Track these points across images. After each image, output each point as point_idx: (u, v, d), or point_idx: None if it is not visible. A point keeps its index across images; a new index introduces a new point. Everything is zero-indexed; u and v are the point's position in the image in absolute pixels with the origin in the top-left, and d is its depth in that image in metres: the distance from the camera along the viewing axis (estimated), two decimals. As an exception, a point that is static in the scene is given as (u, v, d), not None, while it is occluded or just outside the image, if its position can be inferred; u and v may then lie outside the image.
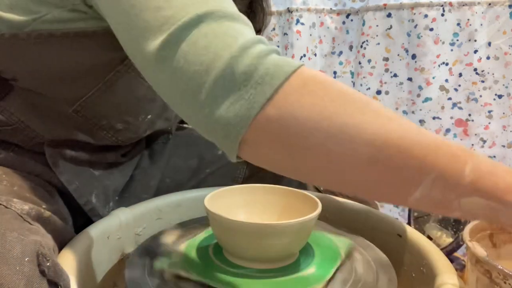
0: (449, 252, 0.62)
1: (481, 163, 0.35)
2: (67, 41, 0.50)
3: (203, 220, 0.61)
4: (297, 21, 1.33)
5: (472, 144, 1.26)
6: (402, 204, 0.38)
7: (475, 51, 1.22)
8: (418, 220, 0.71)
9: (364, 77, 1.32)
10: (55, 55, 0.51)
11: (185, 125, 0.87)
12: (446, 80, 1.25)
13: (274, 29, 1.38)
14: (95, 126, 0.59)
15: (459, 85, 1.25)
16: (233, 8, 0.40)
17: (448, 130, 1.28)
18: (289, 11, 1.33)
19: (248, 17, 0.66)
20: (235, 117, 0.36)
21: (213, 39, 0.37)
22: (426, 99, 1.27)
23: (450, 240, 0.64)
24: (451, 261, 0.53)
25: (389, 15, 1.26)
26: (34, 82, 0.54)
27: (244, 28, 0.39)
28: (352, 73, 1.37)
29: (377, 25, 1.28)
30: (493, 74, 1.22)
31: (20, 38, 0.50)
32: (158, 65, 0.38)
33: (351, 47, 1.36)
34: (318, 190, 0.77)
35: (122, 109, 0.58)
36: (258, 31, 0.70)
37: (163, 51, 0.37)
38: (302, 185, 0.76)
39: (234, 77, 0.36)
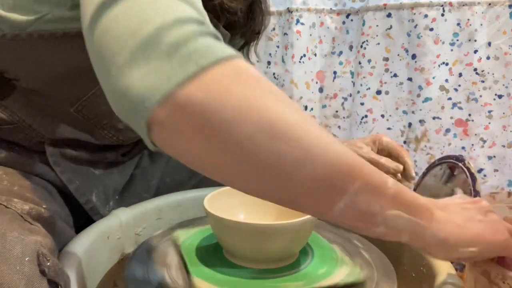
0: (448, 252, 0.61)
1: (396, 181, 0.36)
2: (68, 41, 0.51)
3: (203, 220, 0.61)
4: (297, 21, 1.33)
5: (472, 144, 1.27)
6: (324, 216, 0.36)
7: (475, 51, 1.22)
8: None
9: (364, 77, 1.32)
10: (56, 55, 0.52)
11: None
12: (446, 80, 1.25)
13: (274, 29, 1.38)
14: (96, 125, 0.59)
15: (459, 85, 1.25)
16: None
17: (448, 130, 1.28)
18: (289, 11, 1.33)
19: (248, 18, 0.66)
20: (147, 88, 0.31)
21: (151, 6, 0.34)
22: (426, 99, 1.27)
23: (450, 240, 0.64)
24: (451, 261, 0.53)
25: (389, 15, 1.26)
26: (35, 82, 0.54)
27: (189, 8, 0.35)
28: (352, 73, 1.37)
29: (377, 25, 1.28)
30: (493, 74, 1.22)
31: (21, 39, 0.50)
32: (90, 29, 0.35)
33: (351, 47, 1.36)
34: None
35: None
36: (258, 32, 0.70)
37: (96, 13, 0.34)
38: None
39: (159, 46, 0.32)
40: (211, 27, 0.35)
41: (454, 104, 1.26)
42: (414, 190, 0.73)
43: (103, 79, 0.35)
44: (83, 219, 0.60)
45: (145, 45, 0.32)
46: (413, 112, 1.29)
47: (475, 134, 1.26)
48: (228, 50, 0.33)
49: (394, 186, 0.35)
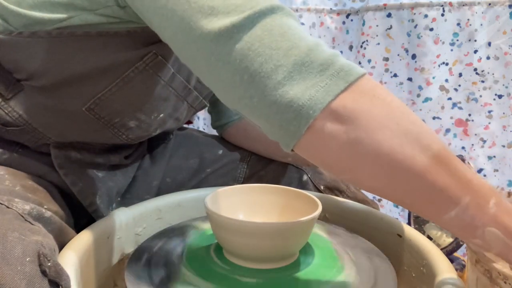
0: (449, 252, 0.62)
1: (501, 201, 0.39)
2: (87, 40, 0.51)
3: (203, 220, 0.61)
4: (297, 21, 1.33)
5: (472, 144, 1.27)
6: (434, 220, 0.41)
7: (475, 51, 1.22)
8: (418, 220, 0.71)
9: (364, 77, 1.32)
10: (74, 53, 0.52)
11: (185, 125, 0.88)
12: (446, 80, 1.25)
13: (274, 29, 1.38)
14: (107, 124, 0.58)
15: (459, 85, 1.25)
16: None
17: (448, 130, 1.28)
18: (289, 11, 1.33)
19: None
20: (310, 100, 0.38)
21: (288, 30, 0.40)
22: (426, 99, 1.27)
23: (450, 240, 0.64)
24: (451, 261, 0.53)
25: (389, 15, 1.26)
26: (50, 80, 0.53)
27: (307, 33, 0.42)
28: (352, 73, 1.37)
29: (377, 25, 1.28)
30: (493, 74, 1.22)
31: (39, 36, 0.50)
32: (223, 45, 0.40)
33: (351, 47, 1.36)
34: (318, 189, 0.77)
35: (137, 106, 0.58)
36: None
37: (233, 32, 0.39)
38: (301, 185, 0.77)
39: (312, 66, 0.39)
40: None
41: (454, 104, 1.26)
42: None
43: (250, 94, 0.40)
44: (84, 220, 0.60)
45: (299, 65, 0.39)
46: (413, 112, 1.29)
47: (475, 134, 1.26)
48: (360, 68, 0.40)
49: (495, 206, 0.38)
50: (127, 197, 0.69)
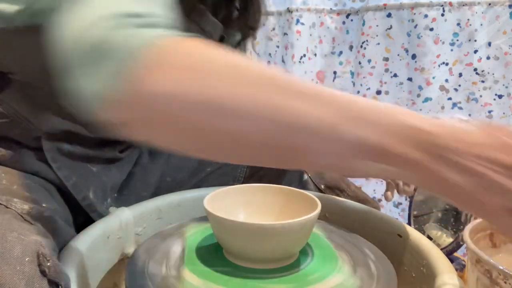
0: (449, 252, 0.62)
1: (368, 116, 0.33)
2: None
3: (203, 220, 0.61)
4: (297, 21, 1.33)
5: (472, 144, 1.27)
6: (291, 168, 0.37)
7: (475, 51, 1.22)
8: (418, 220, 0.71)
9: (364, 77, 1.32)
10: (39, 47, 0.52)
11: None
12: (446, 80, 1.25)
13: (274, 29, 1.38)
14: None
15: (459, 85, 1.25)
16: None
17: (448, 130, 1.28)
18: (289, 11, 1.33)
19: (244, 14, 0.67)
20: (89, 93, 0.33)
21: (94, 3, 0.35)
22: (426, 99, 1.27)
23: (450, 240, 0.64)
24: (451, 261, 0.53)
25: (389, 15, 1.26)
26: (27, 74, 0.53)
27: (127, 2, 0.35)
28: (352, 73, 1.37)
29: (377, 25, 1.28)
30: (493, 74, 1.22)
31: (7, 32, 0.50)
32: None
33: (351, 47, 1.36)
34: (319, 189, 0.77)
35: None
36: (253, 29, 0.70)
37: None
38: (302, 185, 0.76)
39: (87, 49, 0.33)
40: (152, 17, 0.35)
41: (454, 104, 1.27)
42: (414, 190, 0.73)
43: (62, 88, 0.36)
44: (82, 217, 0.60)
45: (73, 51, 0.33)
46: (413, 112, 1.29)
47: (475, 134, 1.26)
48: (154, 33, 0.33)
49: (356, 138, 0.32)
50: (124, 194, 0.69)
